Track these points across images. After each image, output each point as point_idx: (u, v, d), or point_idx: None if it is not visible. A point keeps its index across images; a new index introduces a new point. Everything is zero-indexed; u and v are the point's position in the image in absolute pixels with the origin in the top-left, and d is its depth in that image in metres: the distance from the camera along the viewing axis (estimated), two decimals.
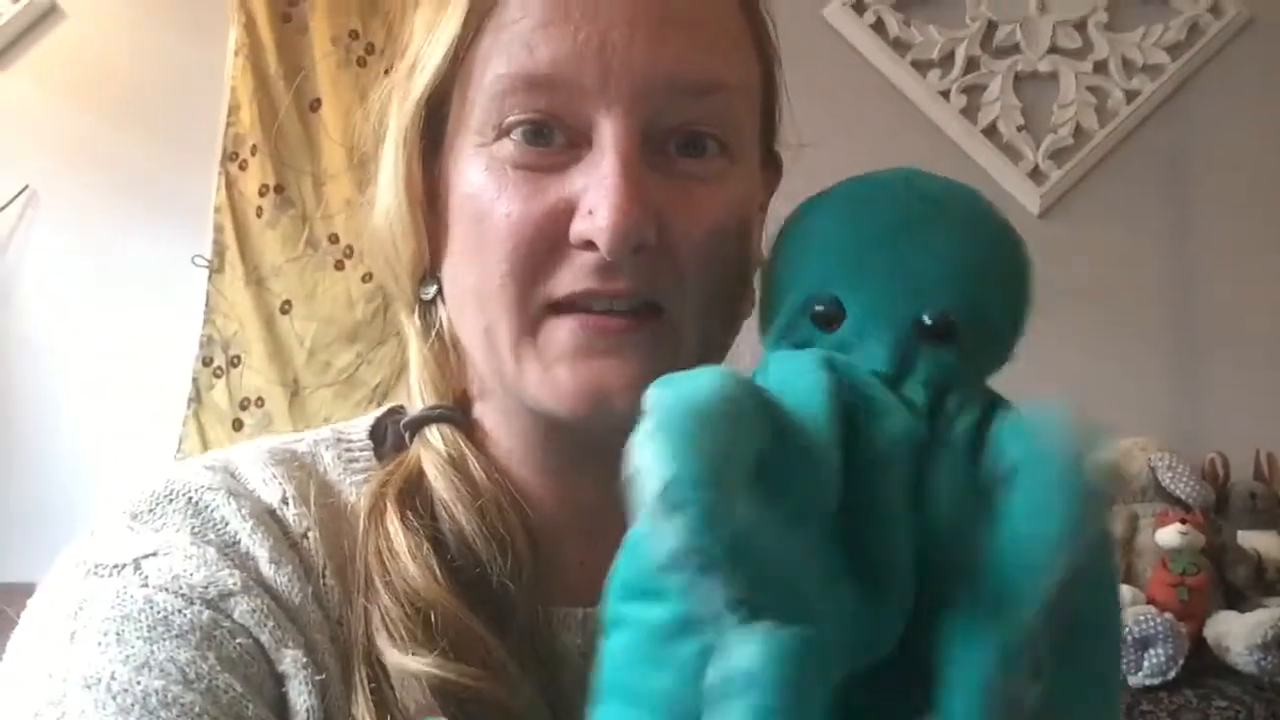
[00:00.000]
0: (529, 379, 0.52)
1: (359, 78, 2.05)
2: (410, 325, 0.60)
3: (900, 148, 1.99)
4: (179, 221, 2.08)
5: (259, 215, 2.06)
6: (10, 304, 2.12)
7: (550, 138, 0.51)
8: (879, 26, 2.08)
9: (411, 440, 0.58)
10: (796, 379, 0.43)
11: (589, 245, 0.50)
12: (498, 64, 0.51)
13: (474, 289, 0.53)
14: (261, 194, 2.06)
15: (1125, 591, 1.58)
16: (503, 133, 0.51)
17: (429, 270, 0.58)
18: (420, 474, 0.56)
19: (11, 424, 2.09)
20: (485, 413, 0.59)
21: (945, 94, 2.07)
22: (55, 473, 2.05)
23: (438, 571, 0.52)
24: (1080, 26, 2.08)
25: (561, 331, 0.51)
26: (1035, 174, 2.05)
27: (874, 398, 0.42)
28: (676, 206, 0.51)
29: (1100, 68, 2.07)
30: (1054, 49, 2.08)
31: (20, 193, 2.10)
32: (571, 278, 0.51)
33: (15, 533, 1.98)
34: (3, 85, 2.13)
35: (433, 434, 0.57)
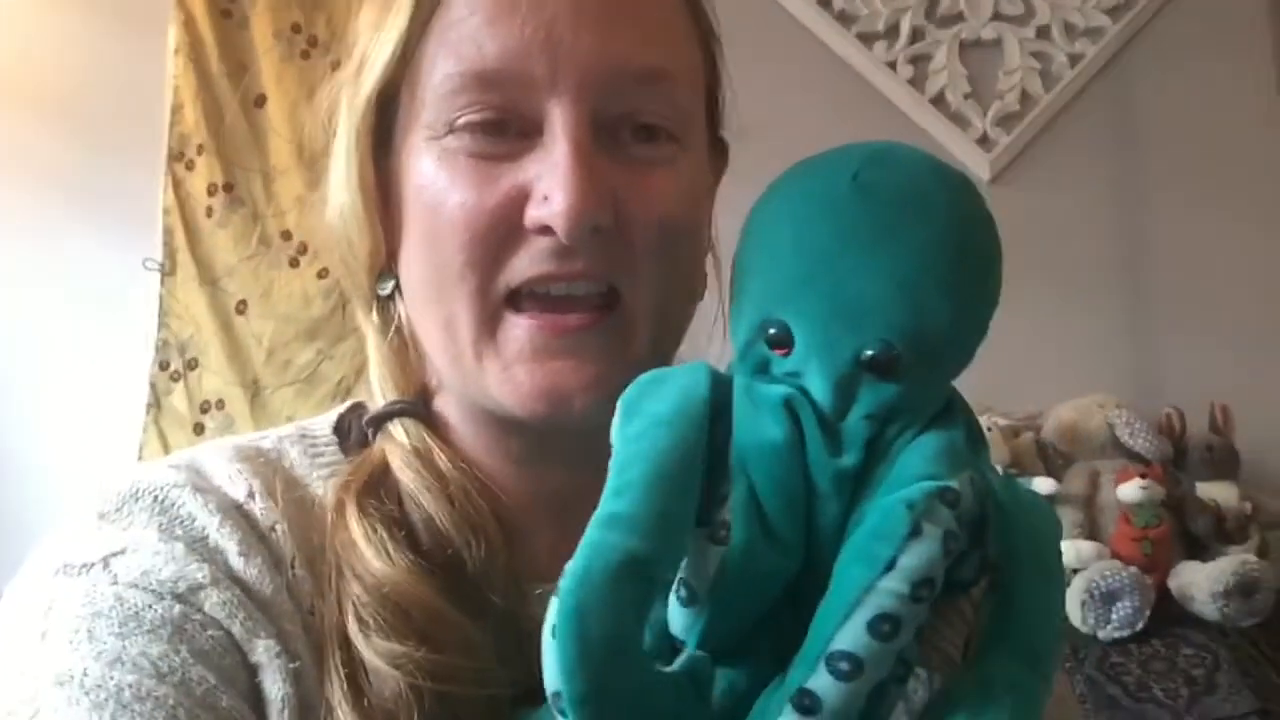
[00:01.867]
0: (489, 378, 0.53)
1: (303, 72, 2.03)
2: (368, 322, 0.60)
3: (849, 120, 2.00)
4: (127, 225, 2.05)
5: (209, 215, 2.04)
6: None
7: (504, 130, 0.52)
8: (823, 0, 2.08)
9: (375, 436, 0.58)
10: (755, 426, 0.45)
11: (545, 230, 0.51)
12: (447, 63, 0.52)
13: (432, 280, 0.54)
14: (210, 193, 2.03)
15: (1090, 547, 1.61)
16: (456, 128, 0.52)
17: (385, 266, 0.58)
18: (386, 468, 0.57)
19: None
20: (446, 405, 0.59)
21: (892, 65, 2.08)
22: (14, 482, 2.02)
23: (406, 561, 0.52)
24: None
25: (519, 331, 0.52)
26: (984, 141, 2.07)
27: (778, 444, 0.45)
28: (631, 190, 0.52)
29: (1043, 33, 2.09)
30: (997, 16, 2.09)
31: None
32: (529, 262, 0.52)
33: None
34: None
35: (396, 428, 0.58)
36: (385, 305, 0.59)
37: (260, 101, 2.05)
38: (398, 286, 0.58)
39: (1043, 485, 1.66)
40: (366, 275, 0.59)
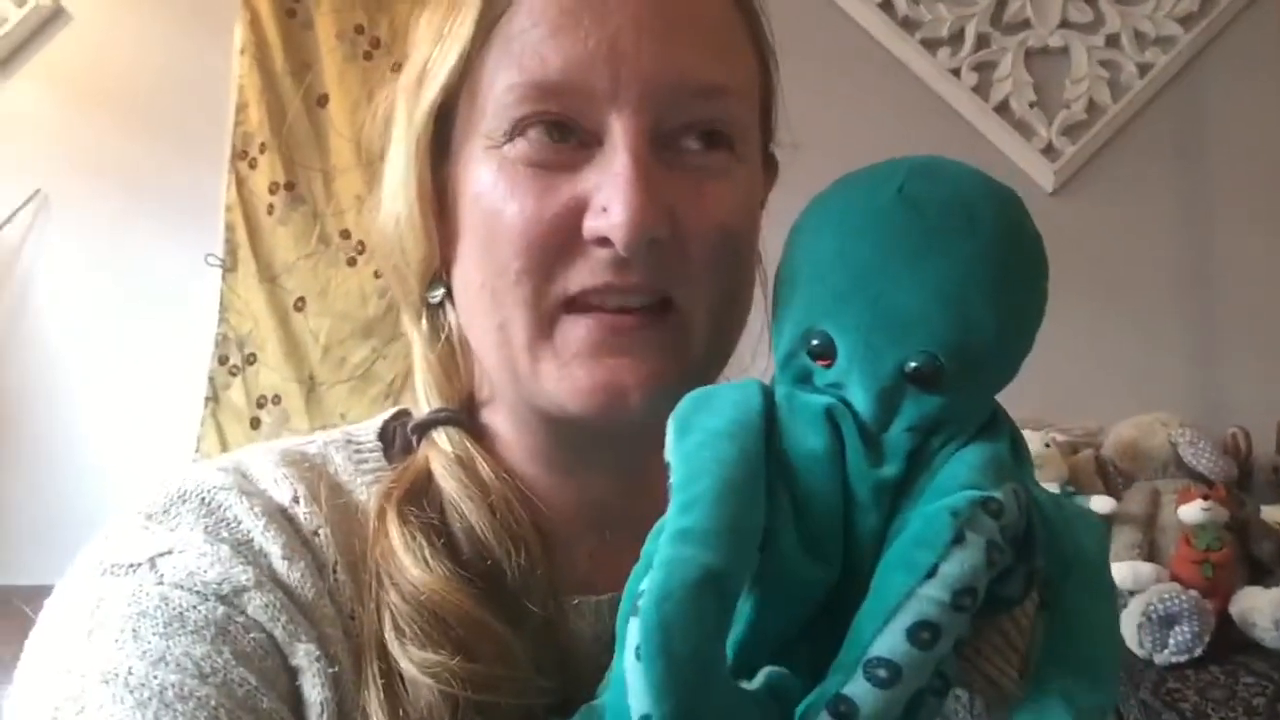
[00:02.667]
0: (545, 377, 0.53)
1: (366, 72, 2.05)
2: (416, 330, 0.61)
3: (912, 127, 1.98)
4: (191, 221, 2.09)
5: (270, 213, 2.07)
6: (26, 307, 2.13)
7: (566, 136, 0.52)
8: (887, 6, 2.06)
9: (419, 443, 0.59)
10: (803, 435, 0.45)
11: (603, 242, 0.51)
12: (509, 73, 0.52)
13: (488, 286, 0.54)
14: (272, 191, 2.06)
15: (1149, 569, 1.57)
16: (517, 133, 0.52)
17: (437, 273, 0.58)
18: (429, 475, 0.57)
19: (29, 427, 2.10)
20: (493, 414, 0.60)
21: (956, 72, 2.05)
22: (74, 475, 2.07)
23: (445, 570, 0.53)
24: (1091, 0, 2.06)
25: (578, 329, 0.52)
26: (1048, 150, 2.04)
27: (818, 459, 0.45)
28: (688, 200, 0.52)
29: (1112, 41, 2.05)
30: (1065, 23, 2.06)
31: (32, 197, 2.11)
32: (587, 273, 0.52)
33: (35, 535, 2.00)
34: (11, 90, 2.14)
35: (440, 436, 0.58)
36: (435, 313, 0.60)
37: (323, 101, 2.08)
38: (448, 294, 0.59)
39: (1101, 504, 1.63)
40: (418, 282, 0.59)
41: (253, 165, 2.07)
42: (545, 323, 0.53)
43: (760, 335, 0.58)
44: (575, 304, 0.52)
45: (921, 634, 0.40)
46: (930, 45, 2.06)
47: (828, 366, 0.46)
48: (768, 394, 0.47)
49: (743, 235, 0.55)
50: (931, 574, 0.40)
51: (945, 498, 0.43)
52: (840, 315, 0.46)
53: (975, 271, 0.44)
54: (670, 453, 0.45)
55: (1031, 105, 2.05)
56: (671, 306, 0.53)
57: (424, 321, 0.60)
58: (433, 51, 0.56)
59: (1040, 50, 2.07)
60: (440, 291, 0.59)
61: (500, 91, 0.53)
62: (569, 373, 0.52)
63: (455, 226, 0.56)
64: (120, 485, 2.02)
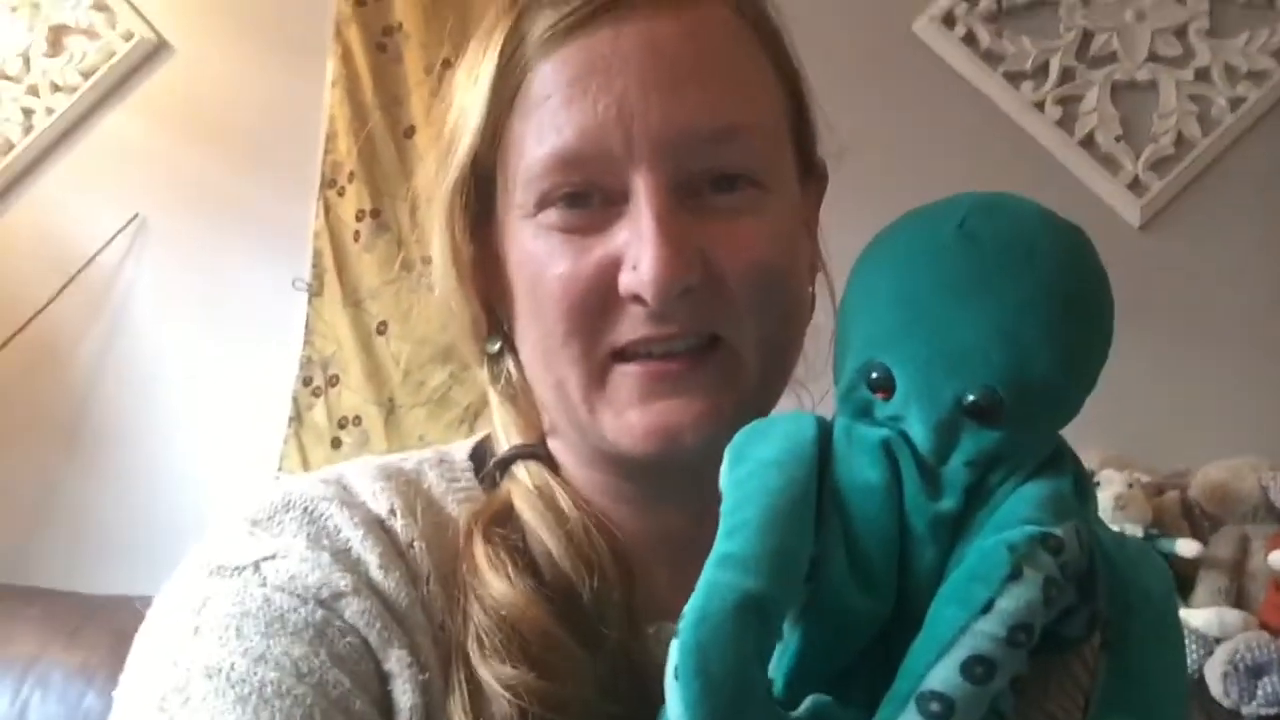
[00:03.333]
0: (604, 425, 0.55)
1: (443, 115, 2.09)
2: (483, 375, 0.64)
3: (995, 161, 1.96)
4: (280, 246, 2.15)
5: (356, 239, 2.12)
6: (122, 326, 2.21)
7: (589, 201, 0.54)
8: (970, 39, 2.04)
9: (501, 477, 0.61)
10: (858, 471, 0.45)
11: (638, 298, 0.53)
12: (532, 146, 0.54)
13: (540, 346, 0.56)
14: (359, 219, 2.11)
15: (1236, 616, 1.52)
16: (545, 204, 0.55)
17: (490, 328, 0.61)
18: (510, 506, 0.59)
19: (123, 444, 2.17)
20: (560, 450, 0.62)
21: (1040, 105, 2.03)
22: (165, 490, 2.13)
23: (526, 586, 0.55)
24: (1180, 33, 2.02)
25: (628, 378, 0.54)
26: (1135, 185, 2.00)
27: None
28: (719, 243, 0.54)
29: (1202, 75, 2.01)
30: (1153, 57, 2.02)
31: (131, 221, 2.19)
32: (628, 328, 0.54)
33: (128, 548, 2.06)
34: (115, 119, 2.23)
35: (519, 470, 0.61)
36: (494, 361, 0.62)
37: (410, 133, 2.13)
38: (506, 343, 0.61)
39: (1187, 548, 1.58)
40: (471, 340, 0.62)
41: (341, 193, 2.13)
42: (597, 375, 0.55)
43: (830, 339, 0.58)
44: (624, 354, 0.54)
45: (975, 668, 0.40)
46: (1013, 78, 2.04)
47: (886, 399, 0.46)
48: (823, 426, 0.48)
49: (782, 264, 0.56)
50: (987, 609, 0.40)
51: (1003, 532, 0.43)
52: (899, 348, 0.46)
53: (1033, 306, 0.44)
54: (722, 481, 0.47)
55: (1118, 139, 2.01)
56: (719, 343, 0.55)
57: (485, 370, 0.63)
58: (457, 121, 0.58)
59: (1128, 84, 2.03)
60: (497, 343, 0.61)
61: (526, 165, 0.55)
62: (624, 420, 0.54)
63: (508, 288, 0.58)
64: (209, 501, 2.07)
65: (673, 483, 0.58)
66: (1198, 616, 1.50)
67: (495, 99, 0.56)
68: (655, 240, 0.51)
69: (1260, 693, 1.45)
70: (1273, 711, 1.45)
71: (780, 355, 0.58)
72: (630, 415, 0.54)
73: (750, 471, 0.46)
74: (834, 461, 0.46)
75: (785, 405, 0.61)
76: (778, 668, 0.45)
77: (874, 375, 0.46)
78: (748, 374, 0.55)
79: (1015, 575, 0.41)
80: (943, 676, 0.40)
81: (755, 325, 0.55)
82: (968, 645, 0.40)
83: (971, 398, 0.44)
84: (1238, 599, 1.58)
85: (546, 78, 0.54)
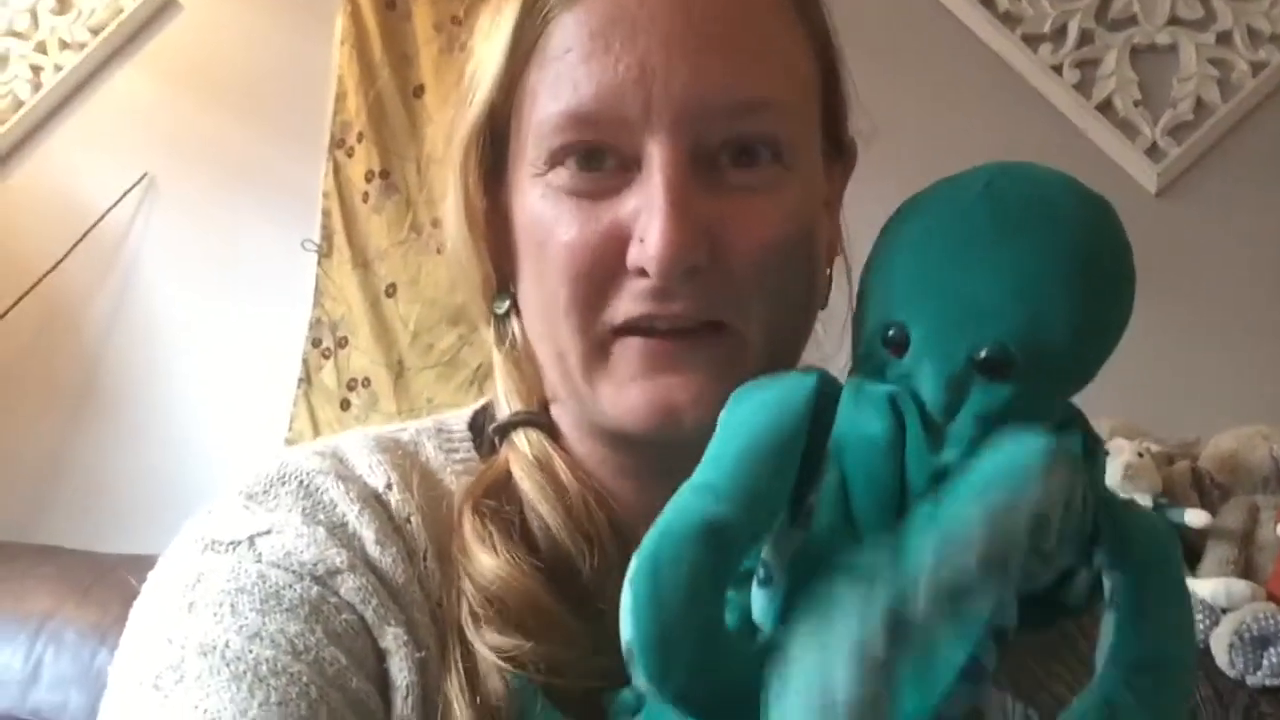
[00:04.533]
0: (603, 398, 0.54)
1: (461, 63, 2.07)
2: (488, 336, 0.62)
3: (1011, 125, 1.94)
4: (289, 207, 2.14)
5: (365, 200, 2.11)
6: (131, 285, 2.21)
7: (601, 162, 0.52)
8: (988, 1, 2.02)
9: (500, 444, 0.60)
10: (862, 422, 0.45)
11: (644, 272, 0.51)
12: (546, 101, 0.52)
13: (542, 314, 0.55)
14: (368, 179, 2.11)
15: (1243, 586, 1.52)
16: (556, 162, 0.53)
17: (500, 286, 0.60)
18: (508, 475, 0.58)
19: (134, 403, 2.19)
20: (561, 418, 0.60)
21: (1058, 69, 2.00)
22: (175, 450, 2.14)
23: (511, 556, 0.54)
24: None
25: (630, 352, 0.53)
26: (1153, 151, 1.97)
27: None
28: (731, 222, 0.52)
29: (1224, 39, 1.98)
30: (1173, 20, 1.99)
31: (140, 180, 2.18)
32: (630, 303, 0.52)
33: (137, 507, 2.08)
34: (124, 77, 2.22)
35: (519, 438, 0.59)
36: (501, 322, 0.61)
37: (419, 92, 2.11)
38: (514, 304, 0.59)
39: (1196, 518, 1.57)
40: (481, 297, 0.60)
41: (350, 154, 2.12)
42: (598, 347, 0.53)
43: (845, 324, 0.58)
44: (626, 328, 0.53)
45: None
46: (1031, 41, 2.01)
47: (900, 356, 0.46)
48: (827, 381, 0.48)
49: (794, 246, 0.54)
50: (1013, 506, 0.40)
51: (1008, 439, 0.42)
52: (915, 305, 0.46)
53: (1051, 265, 0.44)
54: (719, 422, 0.47)
55: (1136, 104, 1.98)
56: (723, 327, 0.53)
57: (493, 330, 0.61)
58: (475, 71, 0.57)
59: (1147, 47, 2.00)
60: (506, 303, 0.60)
61: (539, 120, 0.53)
62: (624, 394, 0.53)
63: (515, 247, 0.57)
64: (218, 461, 2.09)
65: (674, 458, 0.54)
66: (1204, 586, 1.50)
67: (514, 48, 0.54)
68: (664, 215, 0.50)
69: (1266, 663, 1.45)
70: (1277, 682, 1.44)
71: (788, 340, 0.57)
72: (630, 390, 0.53)
73: (741, 412, 0.46)
74: (839, 415, 0.46)
75: None
76: (766, 613, 0.45)
77: (890, 333, 0.46)
78: (752, 358, 0.54)
79: (1045, 472, 0.40)
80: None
81: (762, 309, 0.53)
82: (993, 527, 0.40)
83: (984, 353, 0.44)
84: (1246, 570, 1.57)
85: (568, 29, 0.52)
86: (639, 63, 0.50)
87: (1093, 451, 0.47)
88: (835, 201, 0.61)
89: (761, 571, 0.45)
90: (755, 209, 0.52)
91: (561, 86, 0.52)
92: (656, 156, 0.50)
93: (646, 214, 0.50)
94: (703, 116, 0.51)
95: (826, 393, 0.48)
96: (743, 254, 0.52)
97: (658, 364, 0.52)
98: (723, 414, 0.48)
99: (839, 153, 0.61)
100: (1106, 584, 0.45)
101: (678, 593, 0.40)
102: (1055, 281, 0.44)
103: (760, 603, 0.45)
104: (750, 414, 0.46)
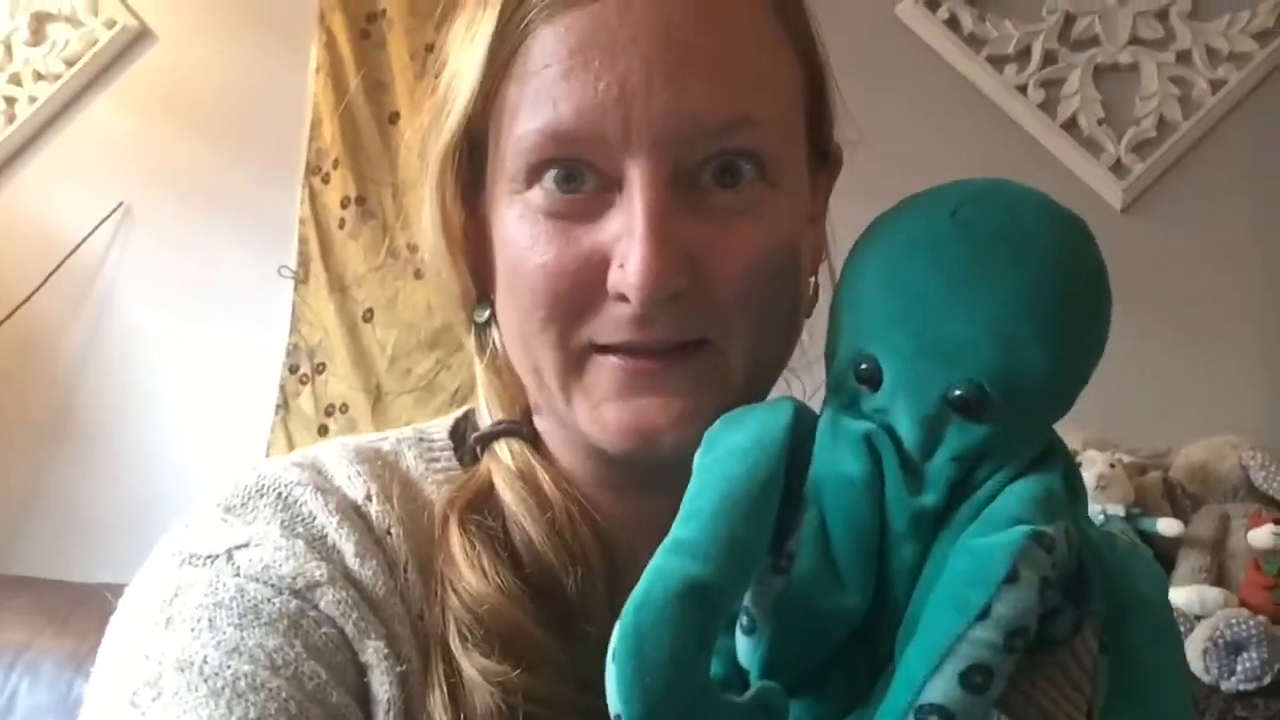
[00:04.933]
0: (579, 416, 0.53)
1: (435, 71, 2.08)
2: (469, 345, 0.61)
3: (978, 144, 1.96)
4: (265, 234, 2.14)
5: (341, 226, 2.11)
6: (108, 314, 2.20)
7: (581, 182, 0.51)
8: (953, 23, 2.05)
9: (482, 454, 0.59)
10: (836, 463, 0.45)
11: (623, 297, 0.50)
12: (525, 117, 0.51)
13: (518, 330, 0.54)
14: (344, 206, 2.11)
15: (1216, 594, 1.53)
16: (534, 179, 0.52)
17: (480, 295, 0.59)
18: (491, 487, 0.57)
19: (110, 433, 2.17)
20: (545, 429, 0.60)
21: (1023, 89, 2.03)
22: (152, 477, 2.13)
23: (503, 582, 0.53)
24: (1162, 16, 2.03)
25: (605, 370, 0.52)
26: (1117, 168, 2.00)
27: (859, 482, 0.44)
28: (713, 245, 0.51)
29: (1184, 58, 2.02)
30: (1135, 40, 2.02)
31: (115, 209, 2.18)
32: (610, 328, 0.51)
33: (116, 537, 2.06)
34: (99, 107, 2.22)
35: (501, 448, 0.59)
36: (482, 331, 0.60)
37: (394, 119, 2.12)
38: (494, 314, 0.58)
39: (1169, 527, 1.59)
40: (460, 308, 0.60)
41: (325, 180, 2.12)
42: (574, 364, 0.53)
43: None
44: (603, 346, 0.52)
45: (975, 678, 0.39)
46: (996, 62, 2.04)
47: (874, 391, 0.45)
48: (802, 415, 0.47)
49: (776, 267, 0.53)
50: (984, 615, 0.39)
51: (995, 532, 0.41)
52: (887, 339, 0.45)
53: (1025, 300, 0.43)
54: (694, 466, 0.46)
55: (1100, 122, 2.02)
56: (705, 343, 0.52)
57: (473, 339, 0.60)
58: (451, 81, 0.55)
59: (1110, 67, 2.03)
60: (486, 312, 0.59)
61: (517, 136, 0.51)
62: (599, 415, 0.52)
63: (492, 259, 0.56)
64: (196, 489, 2.07)
65: (657, 472, 0.54)
66: (1178, 595, 1.52)
67: (491, 59, 0.52)
68: (645, 241, 0.48)
69: (1239, 668, 1.46)
70: (1251, 687, 1.46)
71: (770, 355, 0.56)
72: (606, 411, 0.52)
73: (716, 458, 0.45)
74: (815, 452, 0.45)
75: (777, 394, 0.58)
76: (751, 661, 0.44)
77: (862, 367, 0.45)
78: (733, 374, 0.53)
79: (1012, 578, 0.39)
80: (942, 688, 0.39)
81: (745, 328, 0.52)
82: (966, 654, 0.39)
83: (957, 392, 0.43)
84: (1218, 577, 1.59)
85: (547, 44, 0.50)
86: (619, 82, 0.49)
87: (1074, 487, 0.46)
88: (820, 211, 0.61)
89: (744, 620, 0.44)
90: (738, 231, 0.51)
91: (540, 103, 0.50)
92: (637, 180, 0.49)
93: (627, 239, 0.49)
94: (684, 137, 0.50)
95: (801, 429, 0.47)
96: (725, 278, 0.51)
97: (636, 385, 0.51)
98: (697, 457, 0.47)
99: (824, 160, 0.60)
100: (1097, 624, 0.45)
101: (662, 664, 0.39)
102: (1029, 316, 0.43)
103: (745, 650, 0.45)
104: (725, 461, 0.45)
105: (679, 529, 0.43)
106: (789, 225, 0.54)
